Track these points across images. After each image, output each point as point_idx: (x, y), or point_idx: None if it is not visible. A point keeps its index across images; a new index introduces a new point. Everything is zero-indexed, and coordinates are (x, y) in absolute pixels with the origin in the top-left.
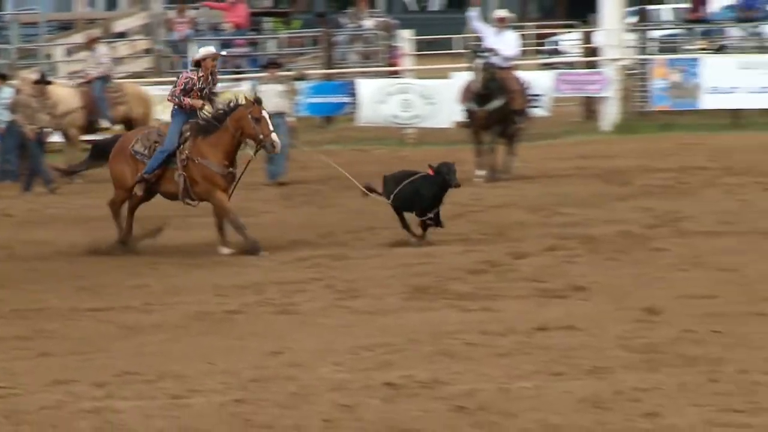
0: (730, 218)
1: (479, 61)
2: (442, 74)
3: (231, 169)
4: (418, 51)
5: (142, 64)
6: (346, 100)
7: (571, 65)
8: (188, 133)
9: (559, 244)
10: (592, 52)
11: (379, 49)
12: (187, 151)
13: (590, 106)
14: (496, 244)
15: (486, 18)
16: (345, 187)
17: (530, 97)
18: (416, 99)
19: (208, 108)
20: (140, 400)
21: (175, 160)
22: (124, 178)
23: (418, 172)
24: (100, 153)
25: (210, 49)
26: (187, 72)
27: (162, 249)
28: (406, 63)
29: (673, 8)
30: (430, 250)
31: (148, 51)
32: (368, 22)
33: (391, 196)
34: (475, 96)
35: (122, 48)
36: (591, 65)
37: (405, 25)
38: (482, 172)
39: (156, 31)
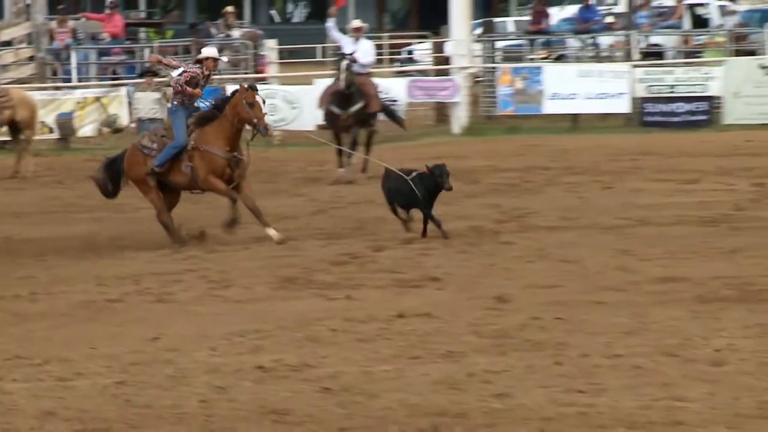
0: (571, 214)
1: (344, 63)
2: (305, 81)
3: (235, 153)
4: (282, 59)
5: (26, 71)
6: None
7: (423, 73)
8: (192, 126)
9: (414, 237)
10: (443, 60)
11: (246, 58)
12: (192, 142)
13: (442, 111)
14: (356, 238)
15: (343, 28)
16: None
17: (386, 102)
18: (281, 104)
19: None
20: (29, 382)
21: (182, 151)
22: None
23: (416, 169)
24: (113, 169)
25: (213, 51)
26: (194, 68)
27: (47, 242)
28: (272, 70)
29: (516, 21)
30: (296, 244)
31: (31, 59)
32: (236, 33)
33: (387, 189)
34: (338, 99)
35: (7, 56)
36: (442, 73)
37: (270, 36)
38: (344, 171)
39: (39, 40)
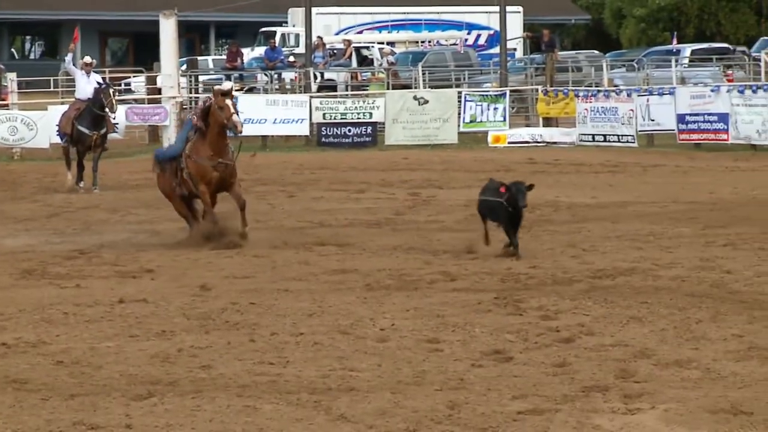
0: (262, 217)
1: (112, 90)
2: (41, 107)
3: (221, 160)
4: (21, 89)
5: None
6: None
7: (139, 101)
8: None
9: (132, 237)
10: (156, 91)
11: None
12: (187, 151)
13: (155, 132)
14: (85, 237)
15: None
16: None
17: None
18: (21, 126)
19: None
20: None
21: (182, 161)
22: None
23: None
24: None
25: (227, 85)
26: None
27: None
28: (13, 98)
29: (214, 59)
30: (33, 242)
31: None
32: None
33: (479, 200)
34: (88, 121)
35: None
36: (154, 101)
37: (10, 69)
38: (82, 183)
39: None
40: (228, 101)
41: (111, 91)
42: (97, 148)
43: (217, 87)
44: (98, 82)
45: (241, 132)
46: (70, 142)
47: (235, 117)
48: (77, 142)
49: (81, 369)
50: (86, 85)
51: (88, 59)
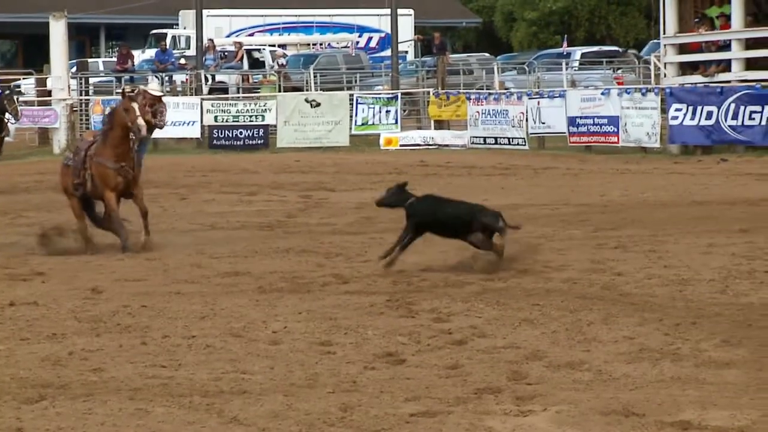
0: (153, 220)
1: (11, 95)
2: None
3: (123, 164)
4: None
5: None
6: None
7: (29, 103)
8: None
9: (23, 239)
10: (46, 93)
11: None
12: (92, 151)
13: (45, 134)
14: None
15: None
16: None
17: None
18: None
19: None
20: None
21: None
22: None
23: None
24: None
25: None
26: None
27: None
28: None
29: (105, 61)
30: None
31: None
32: None
33: None
34: None
35: None
36: (44, 103)
37: None
38: None
39: None
40: (134, 104)
41: (15, 97)
42: None
43: (143, 87)
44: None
45: (143, 135)
46: None
47: (140, 120)
48: None
49: None
50: None
51: None
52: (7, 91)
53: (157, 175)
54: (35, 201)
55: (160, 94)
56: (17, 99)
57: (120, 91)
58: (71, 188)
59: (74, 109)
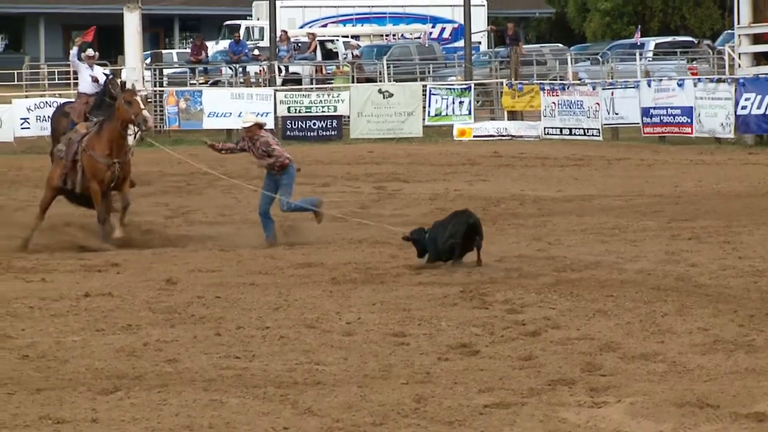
0: (227, 211)
1: (114, 79)
2: (6, 100)
3: (116, 160)
4: None
5: None
6: None
7: None
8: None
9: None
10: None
11: None
12: (84, 144)
13: None
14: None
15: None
16: None
17: None
18: None
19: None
20: None
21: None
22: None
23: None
24: None
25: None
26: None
27: None
28: None
29: (179, 52)
30: None
31: None
32: None
33: None
34: (106, 112)
35: None
36: None
37: None
38: None
39: None
40: (137, 96)
41: (118, 81)
42: None
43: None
44: (105, 74)
45: (150, 128)
46: None
47: (145, 112)
48: None
49: (47, 363)
50: (90, 79)
51: (90, 52)
52: (111, 76)
53: (231, 167)
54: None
55: (249, 124)
56: (120, 83)
57: (116, 81)
58: (56, 180)
59: (149, 100)
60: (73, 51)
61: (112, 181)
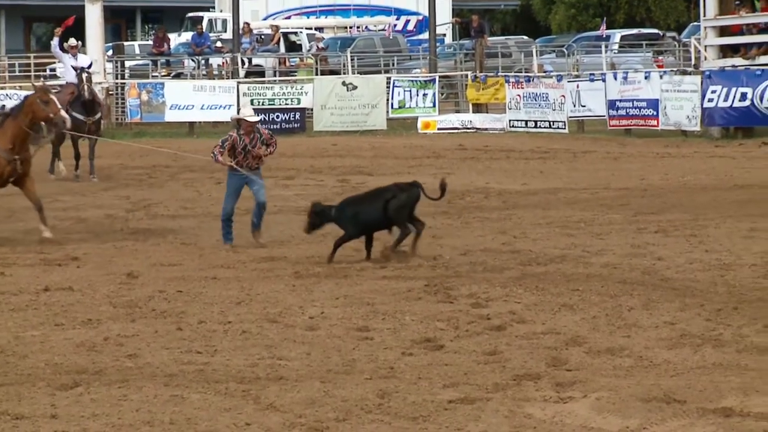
0: (188, 204)
1: (85, 75)
2: None
3: (17, 157)
4: None
5: None
6: None
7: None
8: None
9: (58, 224)
10: None
11: None
12: None
13: None
14: (8, 224)
15: None
16: None
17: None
18: None
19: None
20: None
21: None
22: None
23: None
24: None
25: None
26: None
27: None
28: None
29: (141, 44)
30: None
31: None
32: None
33: None
34: (80, 107)
35: None
36: None
37: None
38: (78, 171)
39: None
40: (52, 95)
41: (84, 76)
42: (92, 135)
43: (235, 115)
44: (82, 67)
45: (68, 127)
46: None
47: (62, 112)
48: (72, 129)
49: (5, 358)
50: (73, 69)
51: (72, 42)
52: (79, 70)
53: (192, 160)
54: (70, 185)
55: (256, 119)
56: (88, 78)
57: (37, 83)
58: None
59: (110, 92)
60: (54, 42)
61: (11, 177)
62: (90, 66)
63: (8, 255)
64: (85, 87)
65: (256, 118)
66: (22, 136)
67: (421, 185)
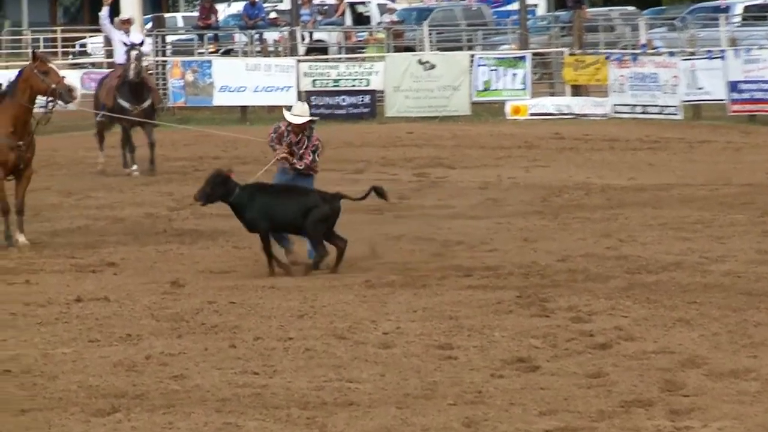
0: None
1: (134, 53)
2: None
3: (20, 143)
4: None
5: None
6: None
7: (97, 65)
8: None
9: (91, 224)
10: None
11: None
12: None
13: None
14: (34, 224)
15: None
16: None
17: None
18: None
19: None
20: None
21: None
22: None
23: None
24: None
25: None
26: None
27: None
28: None
29: (185, 16)
30: None
31: None
32: None
33: None
34: (127, 93)
35: None
36: (115, 65)
37: None
38: (135, 167)
39: None
40: (51, 65)
41: (133, 54)
42: (138, 124)
43: (286, 113)
44: (132, 43)
45: (76, 98)
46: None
47: (67, 80)
48: (121, 117)
49: (33, 380)
50: (123, 47)
51: (125, 16)
52: (128, 46)
53: (247, 150)
54: (104, 179)
55: (299, 121)
56: (138, 56)
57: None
58: None
59: (149, 71)
60: (103, 13)
61: (17, 165)
62: (142, 44)
63: (35, 260)
64: (132, 66)
65: (300, 120)
66: (23, 117)
67: (344, 196)
